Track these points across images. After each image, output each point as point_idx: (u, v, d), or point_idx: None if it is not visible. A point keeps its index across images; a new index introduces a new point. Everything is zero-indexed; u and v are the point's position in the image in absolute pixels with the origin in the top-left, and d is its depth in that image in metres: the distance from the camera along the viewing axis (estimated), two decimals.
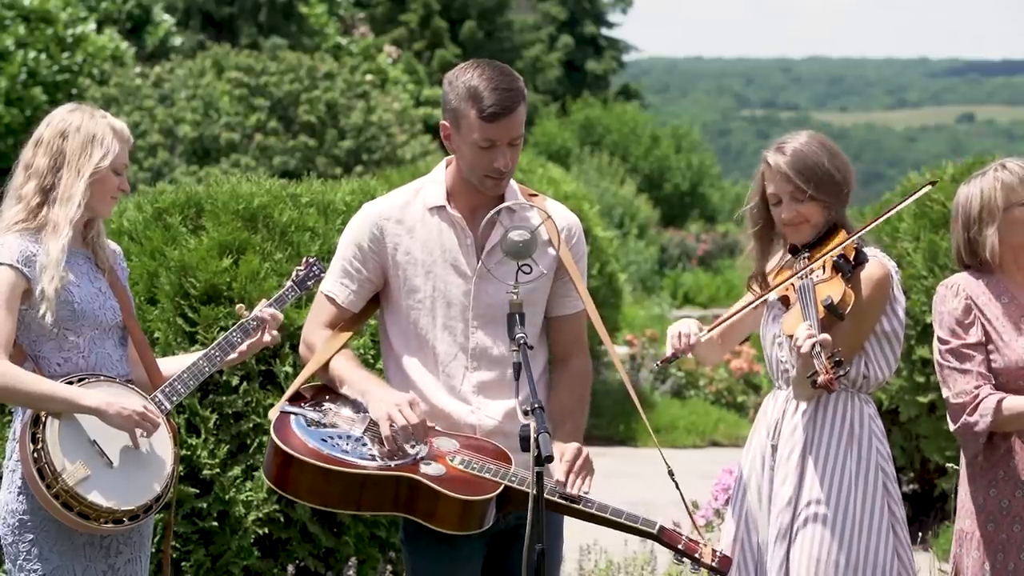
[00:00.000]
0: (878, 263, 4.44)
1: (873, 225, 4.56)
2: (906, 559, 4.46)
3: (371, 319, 4.54)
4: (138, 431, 4.28)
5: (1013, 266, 4.59)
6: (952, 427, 4.53)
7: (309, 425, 4.15)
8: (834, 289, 4.33)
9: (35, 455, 4.21)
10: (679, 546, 4.10)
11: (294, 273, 4.80)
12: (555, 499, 4.08)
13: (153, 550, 4.72)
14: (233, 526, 5.87)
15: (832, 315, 4.29)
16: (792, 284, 4.43)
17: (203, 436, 5.83)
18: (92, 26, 24.80)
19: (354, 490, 4.06)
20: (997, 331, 4.52)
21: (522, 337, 3.93)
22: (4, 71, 22.40)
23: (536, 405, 3.81)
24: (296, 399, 4.26)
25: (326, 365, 4.29)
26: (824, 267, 4.40)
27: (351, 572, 5.97)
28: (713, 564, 4.09)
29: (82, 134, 4.37)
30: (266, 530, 5.89)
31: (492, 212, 4.18)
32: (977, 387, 4.47)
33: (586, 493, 4.13)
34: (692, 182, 37.14)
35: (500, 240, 4.11)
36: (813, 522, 4.39)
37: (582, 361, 4.40)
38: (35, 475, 4.19)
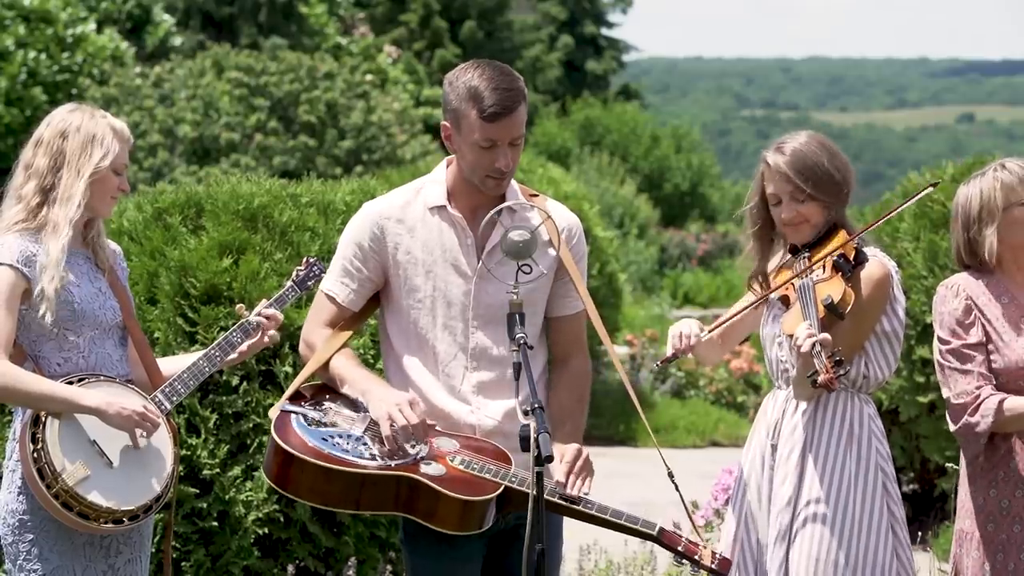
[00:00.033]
0: (878, 263, 4.44)
1: (874, 226, 4.57)
2: (905, 559, 4.46)
3: (371, 319, 4.54)
4: (138, 431, 4.28)
5: (1013, 266, 4.59)
6: (953, 428, 4.53)
7: (309, 424, 4.16)
8: (834, 289, 4.33)
9: (35, 455, 4.21)
10: (679, 548, 4.10)
11: (294, 273, 4.80)
12: (555, 500, 4.08)
13: (153, 550, 4.72)
14: (233, 526, 5.87)
15: (832, 314, 4.29)
16: (792, 284, 4.43)
17: (203, 436, 5.83)
18: (92, 26, 24.80)
19: (354, 489, 4.06)
20: (997, 331, 4.52)
21: (522, 337, 3.93)
22: (4, 71, 22.40)
23: (536, 405, 3.81)
24: (296, 398, 4.27)
25: (326, 364, 4.29)
26: (824, 267, 4.40)
27: (351, 572, 5.97)
28: (713, 566, 4.09)
29: (82, 134, 4.37)
30: (266, 530, 5.89)
31: (492, 212, 4.18)
32: (978, 388, 4.47)
33: (586, 494, 4.13)
34: (692, 182, 37.13)
35: (500, 240, 4.11)
36: (812, 522, 4.39)
37: (582, 361, 4.40)
38: (35, 475, 4.19)
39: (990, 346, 4.52)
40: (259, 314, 4.62)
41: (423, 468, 4.07)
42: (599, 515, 4.09)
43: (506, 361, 4.20)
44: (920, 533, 8.40)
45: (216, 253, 6.05)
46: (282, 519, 5.93)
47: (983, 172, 4.60)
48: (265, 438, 5.81)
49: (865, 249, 4.45)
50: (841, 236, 4.45)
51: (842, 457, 4.42)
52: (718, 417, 14.21)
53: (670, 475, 4.26)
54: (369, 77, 26.29)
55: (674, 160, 36.91)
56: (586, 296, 4.35)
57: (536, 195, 4.39)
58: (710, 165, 38.95)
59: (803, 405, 4.48)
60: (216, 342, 4.58)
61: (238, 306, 4.73)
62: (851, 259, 4.39)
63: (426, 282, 4.28)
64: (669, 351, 4.55)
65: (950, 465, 6.46)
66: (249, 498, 5.85)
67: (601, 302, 13.35)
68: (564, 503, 4.10)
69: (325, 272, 4.46)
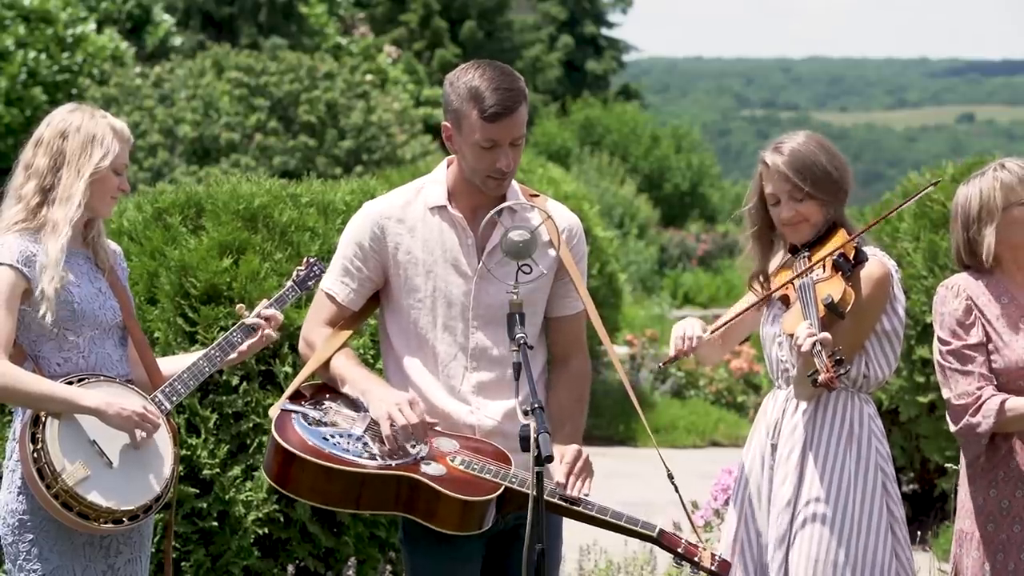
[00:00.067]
0: (878, 262, 4.44)
1: (874, 225, 4.57)
2: (905, 559, 4.46)
3: (371, 319, 4.54)
4: (138, 432, 4.28)
5: (1013, 266, 4.59)
6: (953, 428, 4.53)
7: (310, 423, 4.16)
8: (834, 288, 4.33)
9: (35, 455, 4.21)
10: (679, 549, 4.10)
11: (295, 273, 4.80)
12: (555, 501, 4.08)
13: (153, 550, 4.72)
14: (233, 526, 5.87)
15: (832, 314, 4.29)
16: (792, 283, 4.43)
17: (203, 436, 5.83)
18: (92, 26, 24.80)
19: (354, 489, 4.06)
20: (997, 331, 4.52)
21: (522, 337, 3.93)
22: (4, 71, 22.40)
23: (536, 405, 3.81)
24: (296, 397, 4.27)
25: (326, 364, 4.29)
26: (824, 266, 4.40)
27: (351, 572, 5.97)
28: (712, 568, 4.09)
29: (82, 134, 4.37)
30: (266, 530, 5.89)
31: (492, 212, 4.18)
32: (979, 388, 4.47)
33: (586, 495, 4.13)
34: (692, 182, 37.13)
35: (500, 240, 4.11)
36: (812, 522, 4.39)
37: (581, 362, 4.40)
38: (35, 475, 4.19)
39: (990, 346, 4.51)
40: (259, 315, 4.62)
41: (423, 468, 4.07)
42: (599, 516, 4.09)
43: (506, 361, 4.20)
44: (920, 533, 8.40)
45: (216, 253, 6.05)
46: (282, 519, 5.93)
47: (983, 172, 4.60)
48: (265, 438, 5.81)
49: (865, 248, 4.45)
50: (841, 235, 4.45)
51: (842, 457, 4.42)
52: (718, 417, 14.21)
53: (670, 477, 4.26)
54: (369, 77, 26.29)
55: (674, 160, 36.92)
56: (586, 296, 4.35)
57: (536, 195, 4.39)
58: (710, 165, 38.95)
59: (803, 405, 4.48)
60: (216, 342, 4.58)
61: (238, 306, 4.74)
62: (851, 258, 4.39)
63: (426, 282, 4.28)
64: (672, 351, 4.54)
65: (949, 465, 6.46)
66: (249, 498, 5.85)
67: (601, 302, 13.35)
68: (564, 504, 4.10)
69: (325, 272, 4.46)
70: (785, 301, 4.49)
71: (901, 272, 4.60)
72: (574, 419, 4.31)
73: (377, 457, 4.09)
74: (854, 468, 4.42)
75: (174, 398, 4.45)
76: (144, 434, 4.29)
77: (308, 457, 4.04)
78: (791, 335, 4.31)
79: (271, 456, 4.14)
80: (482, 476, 4.09)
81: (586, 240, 4.47)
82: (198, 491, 5.83)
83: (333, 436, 4.13)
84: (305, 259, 4.84)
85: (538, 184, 13.72)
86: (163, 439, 4.37)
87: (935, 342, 4.61)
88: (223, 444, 5.86)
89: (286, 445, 4.07)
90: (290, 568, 5.94)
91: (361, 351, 5.87)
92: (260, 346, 4.63)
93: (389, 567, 6.22)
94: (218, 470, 5.83)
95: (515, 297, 4.02)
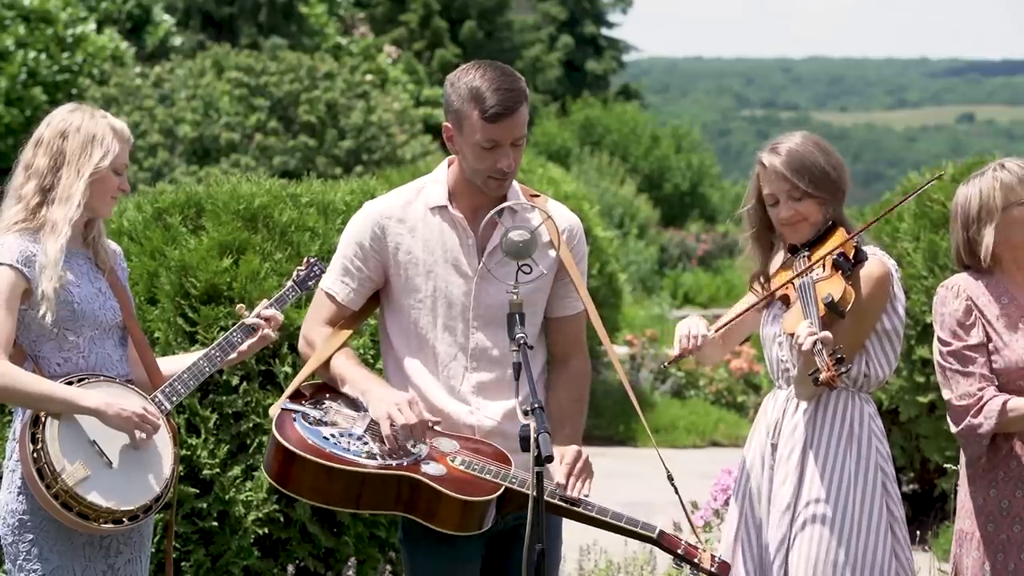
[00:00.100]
0: (878, 261, 4.44)
1: (874, 223, 4.56)
2: (904, 559, 4.46)
3: (371, 319, 4.54)
4: (137, 433, 4.28)
5: (1013, 266, 4.59)
6: (954, 429, 4.52)
7: (310, 423, 4.16)
8: (834, 287, 4.33)
9: (35, 455, 4.21)
10: (678, 551, 4.11)
11: (295, 273, 4.81)
12: (555, 502, 4.08)
13: (154, 550, 4.72)
14: (233, 526, 5.87)
15: (833, 313, 4.29)
16: (792, 283, 4.43)
17: (203, 436, 5.83)
18: (92, 26, 24.80)
19: (355, 488, 4.06)
20: (997, 332, 4.52)
21: (522, 337, 3.93)
22: (4, 71, 22.40)
23: (536, 405, 3.81)
24: (296, 397, 4.27)
25: (327, 363, 4.30)
26: (824, 265, 4.40)
27: (351, 572, 5.97)
28: (712, 569, 4.09)
29: (82, 134, 4.37)
30: (266, 530, 5.89)
31: (493, 212, 4.18)
32: (981, 389, 4.46)
33: (586, 496, 4.13)
34: (692, 182, 37.13)
35: (500, 240, 4.11)
36: (812, 522, 4.39)
37: (581, 362, 4.40)
38: (35, 475, 4.19)
39: (990, 346, 4.51)
40: (259, 315, 4.62)
41: (424, 468, 4.08)
42: (599, 517, 4.09)
43: (506, 362, 4.20)
44: (920, 533, 8.40)
45: (216, 253, 6.05)
46: (282, 519, 5.93)
47: (982, 172, 4.60)
48: (265, 438, 5.81)
49: (865, 248, 4.46)
50: (840, 235, 4.45)
51: (842, 457, 4.42)
52: (718, 417, 14.21)
53: (670, 478, 4.26)
54: (369, 77, 26.29)
55: (674, 160, 36.91)
56: (586, 297, 4.35)
57: (537, 195, 4.39)
58: (710, 165, 38.94)
59: (803, 405, 4.48)
60: (216, 342, 4.58)
61: (238, 306, 4.74)
62: (851, 257, 4.39)
63: (427, 282, 4.28)
64: (677, 350, 4.54)
65: (949, 466, 6.47)
66: (249, 498, 5.85)
67: (601, 302, 13.34)
68: (564, 505, 4.10)
69: (325, 272, 4.46)
70: (785, 301, 4.49)
71: (901, 272, 4.60)
72: (574, 419, 4.31)
73: (377, 457, 4.09)
74: (854, 468, 4.42)
75: (174, 398, 4.45)
76: (144, 435, 4.29)
77: (309, 456, 4.04)
78: (791, 334, 4.31)
79: (271, 455, 4.14)
80: (482, 476, 4.09)
81: (586, 240, 4.47)
82: (198, 491, 5.83)
83: (333, 436, 4.13)
84: (305, 259, 4.84)
85: (538, 184, 13.72)
86: (163, 439, 4.37)
87: (935, 343, 4.61)
88: (223, 444, 5.86)
89: (287, 444, 4.07)
90: (290, 568, 5.94)
91: (361, 351, 5.87)
92: (260, 346, 4.63)
93: (389, 567, 6.22)
94: (218, 470, 5.83)
95: (515, 297, 4.02)
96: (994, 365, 4.50)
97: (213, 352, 4.54)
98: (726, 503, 6.25)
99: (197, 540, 5.87)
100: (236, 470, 5.87)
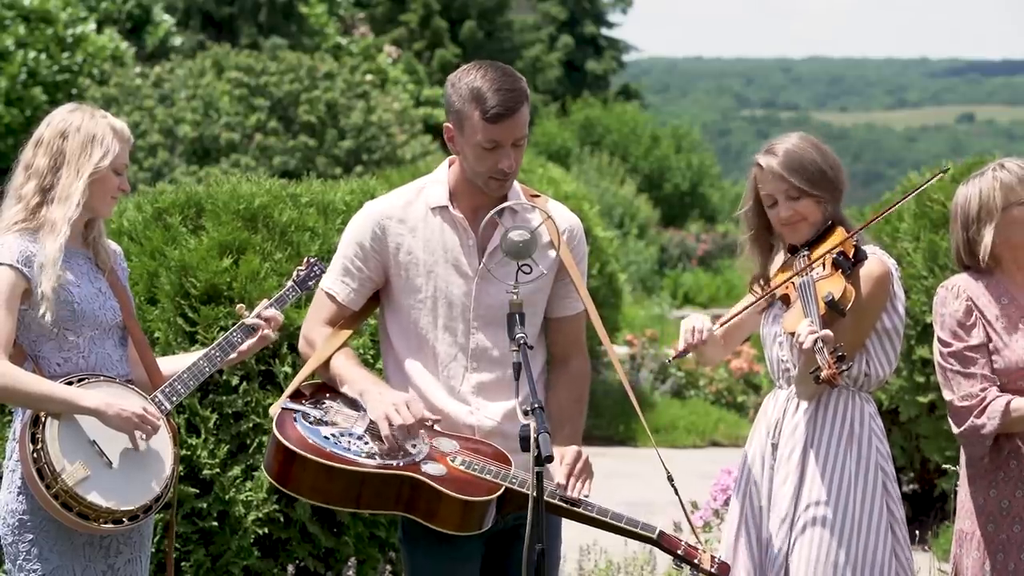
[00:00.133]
0: (878, 260, 4.44)
1: (874, 221, 4.57)
2: (904, 559, 4.46)
3: (371, 319, 4.54)
4: (137, 433, 4.28)
5: (1013, 266, 4.59)
6: (956, 430, 4.52)
7: (310, 422, 4.16)
8: (835, 285, 4.33)
9: (35, 455, 4.21)
10: (678, 551, 4.11)
11: (295, 273, 4.81)
12: (555, 502, 4.08)
13: (154, 550, 4.72)
14: (233, 526, 5.87)
15: (833, 311, 4.29)
16: (792, 282, 4.43)
17: (203, 436, 5.83)
18: (92, 26, 24.80)
19: (355, 488, 4.06)
20: (997, 332, 4.52)
21: (522, 337, 3.93)
22: (4, 71, 22.40)
23: (536, 405, 3.81)
24: (296, 397, 4.27)
25: (326, 363, 4.30)
26: (824, 264, 4.40)
27: (351, 572, 5.97)
28: (712, 570, 4.09)
29: (82, 134, 4.37)
30: (266, 530, 5.89)
31: (493, 212, 4.18)
32: (983, 389, 4.46)
33: (586, 496, 4.13)
34: (692, 182, 37.12)
35: (500, 240, 4.11)
36: (812, 522, 4.39)
37: (581, 362, 4.40)
38: (35, 475, 4.19)
39: (990, 346, 4.51)
40: (259, 315, 4.62)
41: (424, 468, 4.08)
42: (599, 517, 4.09)
43: (506, 362, 4.20)
44: (920, 533, 8.39)
45: (216, 253, 6.05)
46: (282, 519, 5.93)
47: (982, 172, 4.60)
48: (265, 438, 5.81)
49: (864, 247, 4.46)
50: (839, 234, 4.45)
51: (842, 456, 4.42)
52: (718, 417, 14.21)
53: (669, 478, 4.26)
54: (369, 77, 26.28)
55: (674, 160, 36.90)
56: (586, 297, 4.35)
57: (537, 195, 4.39)
58: (710, 165, 38.93)
59: (804, 404, 4.48)
60: (216, 342, 4.58)
61: (238, 306, 4.74)
62: (851, 256, 4.40)
63: (427, 282, 4.28)
64: (681, 345, 4.54)
65: (948, 466, 6.47)
66: (249, 498, 5.85)
67: (601, 302, 13.34)
68: (564, 505, 4.10)
69: (325, 272, 4.47)
70: (786, 301, 4.49)
71: (901, 271, 4.60)
72: (574, 420, 4.31)
73: (377, 457, 4.09)
74: (854, 468, 4.42)
75: (174, 398, 4.45)
76: (143, 436, 4.29)
77: (309, 455, 4.05)
78: (792, 333, 4.31)
79: (272, 454, 4.14)
80: (482, 476, 4.09)
81: (586, 240, 4.47)
82: (198, 491, 5.83)
83: (334, 435, 4.13)
84: (305, 259, 4.84)
85: (538, 184, 13.72)
86: (163, 439, 4.37)
87: (935, 343, 4.61)
88: (223, 444, 5.86)
89: (287, 443, 4.07)
90: (290, 568, 5.94)
91: (361, 351, 5.87)
92: (260, 346, 4.63)
93: (389, 567, 6.22)
94: (218, 470, 5.83)
95: (515, 297, 4.02)
96: (994, 365, 4.50)
97: (213, 352, 4.54)
98: (726, 503, 6.25)
99: (197, 540, 5.87)
100: (236, 470, 5.87)
